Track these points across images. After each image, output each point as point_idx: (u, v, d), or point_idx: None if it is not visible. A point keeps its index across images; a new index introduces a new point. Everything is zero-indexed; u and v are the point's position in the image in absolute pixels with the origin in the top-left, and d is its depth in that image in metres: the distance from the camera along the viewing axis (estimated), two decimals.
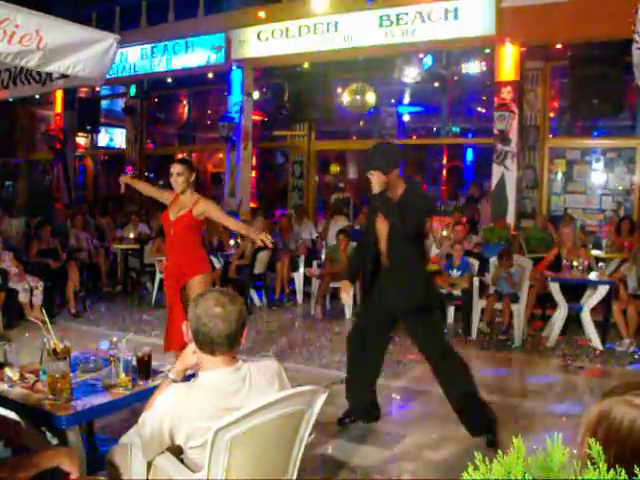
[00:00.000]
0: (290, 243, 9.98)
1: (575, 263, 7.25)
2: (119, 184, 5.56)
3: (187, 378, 2.66)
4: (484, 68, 10.53)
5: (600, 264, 7.67)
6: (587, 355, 6.82)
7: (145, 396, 2.82)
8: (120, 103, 15.73)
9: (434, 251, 9.03)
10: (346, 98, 11.67)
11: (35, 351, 3.32)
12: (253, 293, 9.41)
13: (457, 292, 7.85)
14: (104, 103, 16.09)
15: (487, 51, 10.20)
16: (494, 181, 10.13)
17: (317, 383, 3.99)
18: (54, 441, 3.07)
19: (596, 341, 7.03)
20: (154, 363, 3.39)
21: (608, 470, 1.19)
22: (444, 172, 15.59)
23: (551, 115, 11.04)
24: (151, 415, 2.40)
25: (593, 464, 1.21)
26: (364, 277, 4.64)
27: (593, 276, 7.27)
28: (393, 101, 13.64)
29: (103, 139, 17.51)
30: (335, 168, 14.92)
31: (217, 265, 9.28)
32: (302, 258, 9.69)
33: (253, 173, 13.74)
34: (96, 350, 3.69)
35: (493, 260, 7.73)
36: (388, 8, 10.26)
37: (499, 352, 7.04)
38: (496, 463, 1.22)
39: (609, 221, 10.23)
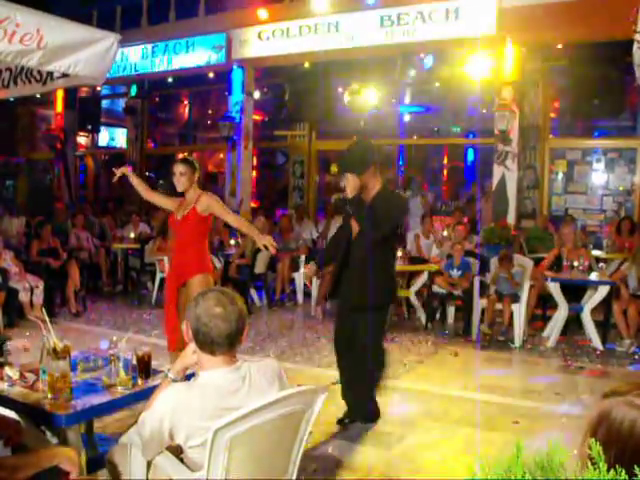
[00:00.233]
0: (291, 243, 9.98)
1: (576, 263, 7.25)
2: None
3: (187, 377, 2.65)
4: (485, 68, 10.52)
5: (601, 264, 7.67)
6: (587, 355, 6.82)
7: (145, 395, 2.82)
8: (121, 103, 15.73)
9: (434, 251, 9.04)
10: (347, 98, 11.67)
11: (35, 350, 3.32)
12: (253, 293, 9.41)
13: (457, 292, 7.86)
14: (105, 103, 16.11)
15: (488, 51, 10.18)
16: (495, 181, 10.13)
17: (317, 383, 4.00)
18: (54, 440, 3.06)
19: (597, 341, 7.03)
20: (154, 363, 3.38)
21: (608, 470, 1.19)
22: (445, 172, 15.59)
23: (552, 115, 11.04)
24: (151, 414, 2.39)
25: (593, 464, 1.21)
26: (334, 273, 4.75)
27: (594, 276, 7.27)
28: (394, 101, 13.64)
29: (104, 139, 17.52)
30: (336, 168, 14.90)
31: (217, 265, 9.28)
32: (303, 258, 9.69)
33: (254, 173, 13.74)
34: (96, 349, 3.69)
35: (493, 260, 7.72)
36: (389, 8, 10.25)
37: (499, 352, 7.04)
38: (496, 463, 1.22)
39: (610, 221, 10.23)
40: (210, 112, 15.76)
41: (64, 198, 14.97)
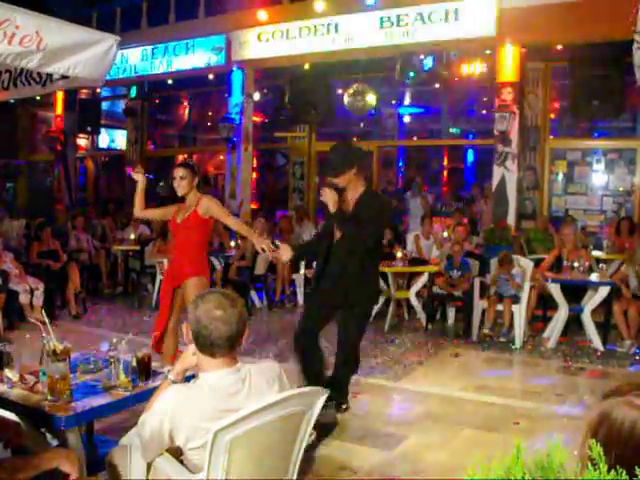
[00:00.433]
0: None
1: (576, 264, 7.24)
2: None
3: (187, 379, 2.65)
4: (484, 69, 10.53)
5: (601, 265, 7.67)
6: (588, 356, 6.81)
7: (145, 397, 2.82)
8: (121, 104, 15.71)
9: (434, 252, 9.03)
10: (346, 99, 11.66)
11: (35, 352, 3.32)
12: (254, 294, 9.40)
13: (458, 293, 7.85)
14: (105, 104, 16.09)
15: (488, 52, 10.20)
16: (495, 182, 10.12)
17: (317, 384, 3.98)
18: (54, 442, 3.06)
19: (597, 342, 7.02)
20: (154, 364, 3.38)
21: (609, 471, 1.18)
22: (445, 173, 15.60)
23: (552, 116, 11.04)
24: (151, 416, 2.39)
25: (594, 465, 1.20)
26: (315, 269, 4.87)
27: (594, 277, 7.26)
28: (394, 102, 13.66)
29: (104, 140, 17.51)
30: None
31: (218, 266, 9.28)
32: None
33: (254, 174, 13.74)
34: (96, 351, 3.69)
35: (494, 261, 7.72)
36: (388, 9, 10.26)
37: (500, 353, 7.03)
38: (496, 464, 1.22)
39: (610, 222, 10.23)
40: (210, 114, 15.75)
41: (64, 200, 14.98)
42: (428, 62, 10.24)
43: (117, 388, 3.11)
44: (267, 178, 15.86)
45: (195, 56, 12.42)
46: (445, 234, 9.41)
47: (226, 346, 2.35)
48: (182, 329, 2.49)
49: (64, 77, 4.95)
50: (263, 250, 4.92)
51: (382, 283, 8.19)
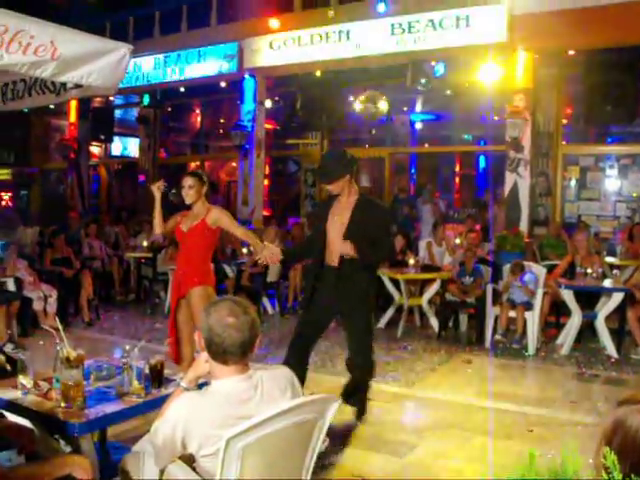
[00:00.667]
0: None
1: (589, 270, 7.21)
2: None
3: (199, 386, 2.66)
4: (496, 75, 10.51)
5: (614, 271, 7.63)
6: (602, 363, 6.76)
7: (157, 404, 2.83)
8: (133, 112, 15.84)
9: (447, 259, 9.01)
10: (358, 106, 11.68)
11: (49, 359, 3.34)
12: (266, 301, 9.42)
13: (470, 300, 7.83)
14: (118, 112, 16.21)
15: (500, 58, 10.17)
16: (507, 189, 10.10)
17: (329, 391, 3.99)
18: (67, 449, 3.08)
19: (611, 349, 6.97)
20: (166, 371, 3.39)
21: (623, 479, 1.18)
22: (457, 180, 15.56)
23: (564, 122, 10.99)
24: (163, 423, 2.40)
25: (608, 473, 1.20)
26: (306, 278, 4.87)
27: (607, 283, 7.22)
28: (405, 109, 13.66)
29: (116, 148, 17.63)
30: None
31: (230, 273, 9.30)
32: None
33: (266, 181, 13.77)
34: (109, 358, 3.70)
35: (506, 268, 7.69)
36: (400, 16, 10.26)
37: (513, 360, 6.99)
38: (510, 472, 1.21)
39: (623, 228, 10.17)
40: (222, 121, 15.83)
41: (77, 207, 15.07)
42: (439, 69, 10.24)
43: (130, 395, 3.12)
44: (279, 185, 15.89)
45: (207, 64, 12.48)
46: (457, 241, 9.38)
47: (238, 353, 2.36)
48: (195, 337, 2.49)
49: (78, 86, 5.01)
50: (261, 262, 4.92)
51: (394, 290, 8.20)
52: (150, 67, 13.20)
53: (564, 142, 10.85)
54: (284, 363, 4.51)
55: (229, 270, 9.37)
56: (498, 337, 7.42)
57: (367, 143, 14.38)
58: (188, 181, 5.16)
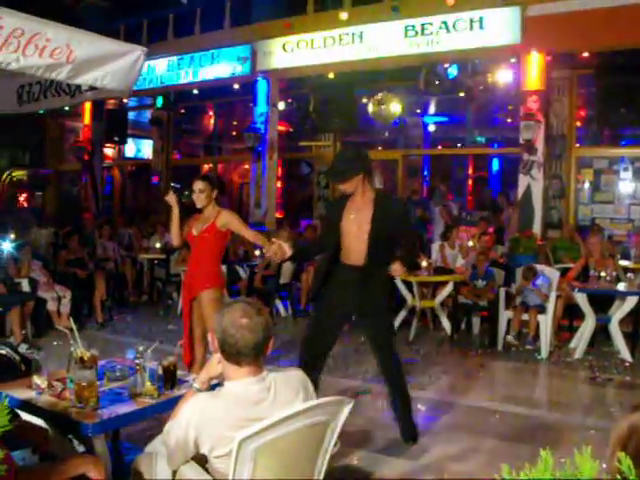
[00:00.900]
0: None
1: (603, 274, 7.16)
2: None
3: (212, 387, 2.67)
4: (510, 77, 10.48)
5: (629, 274, 7.56)
6: (616, 367, 6.72)
7: (170, 405, 2.84)
8: (147, 114, 15.92)
9: (460, 261, 8.98)
10: (371, 108, 11.68)
11: (63, 359, 3.36)
12: (278, 303, 9.43)
13: (483, 303, 7.80)
14: (131, 114, 16.28)
15: (513, 60, 10.14)
16: (520, 191, 10.05)
17: (342, 394, 3.99)
18: (80, 449, 3.09)
19: (625, 353, 6.92)
20: (179, 372, 3.40)
21: None
22: (470, 182, 15.52)
23: (578, 124, 10.93)
24: (176, 424, 2.41)
25: (623, 478, 1.19)
26: (316, 277, 4.77)
27: (621, 287, 7.16)
28: (418, 111, 13.64)
29: (130, 150, 17.72)
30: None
31: (243, 275, 9.32)
32: None
33: (279, 183, 13.78)
34: (122, 359, 3.72)
35: (519, 270, 7.66)
36: (413, 18, 10.26)
37: (526, 364, 6.97)
38: (523, 476, 1.21)
39: (637, 231, 10.09)
40: (235, 123, 15.86)
41: (91, 209, 15.16)
42: (453, 71, 10.21)
43: (143, 396, 3.13)
44: (292, 187, 15.90)
45: (220, 66, 12.53)
46: (470, 243, 9.35)
47: (252, 354, 2.36)
48: (208, 338, 2.50)
49: (92, 88, 5.04)
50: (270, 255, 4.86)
51: (407, 292, 8.19)
52: (164, 69, 13.28)
53: (577, 144, 10.79)
54: (299, 366, 4.49)
55: (242, 272, 9.39)
56: (511, 340, 7.39)
57: (380, 145, 14.37)
58: (199, 185, 5.19)
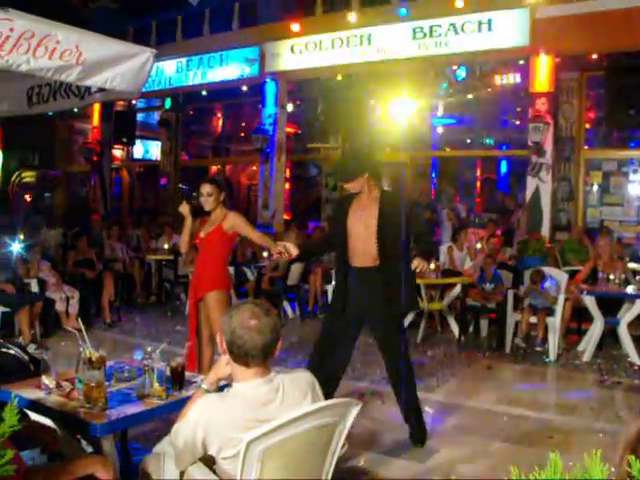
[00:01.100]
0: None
1: (612, 276, 7.13)
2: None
3: (220, 389, 2.67)
4: (518, 79, 10.46)
5: (637, 277, 7.54)
6: (624, 370, 6.69)
7: (178, 406, 2.84)
8: (155, 116, 15.96)
9: (468, 264, 8.96)
10: (379, 110, 11.68)
11: (71, 359, 3.37)
12: (286, 305, 9.43)
13: (491, 305, 7.78)
14: (140, 116, 16.35)
15: (521, 62, 10.13)
16: (529, 193, 10.03)
17: (349, 395, 3.99)
18: (88, 449, 3.10)
19: (634, 356, 6.89)
20: (187, 374, 3.41)
21: None
22: (478, 184, 15.48)
23: (586, 126, 10.90)
24: (184, 425, 2.41)
25: None
26: (336, 279, 4.74)
27: (630, 289, 7.13)
28: (427, 113, 13.61)
29: (138, 151, 17.76)
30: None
31: (251, 277, 9.33)
32: None
33: (287, 185, 13.80)
34: (130, 360, 3.73)
35: (528, 272, 7.64)
36: (421, 20, 10.26)
37: (534, 366, 6.94)
38: (532, 478, 1.21)
39: None
40: (243, 125, 15.89)
41: (100, 210, 15.21)
42: (461, 73, 10.21)
43: (151, 397, 3.13)
44: (300, 189, 15.91)
45: (229, 68, 12.56)
46: (479, 245, 9.33)
47: (260, 356, 2.36)
48: (216, 339, 2.51)
49: (102, 90, 5.05)
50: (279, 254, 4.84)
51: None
52: (172, 71, 13.32)
53: (586, 146, 10.76)
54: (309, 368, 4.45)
55: (249, 273, 9.40)
56: (519, 343, 7.37)
57: (388, 147, 14.34)
58: (206, 189, 5.19)
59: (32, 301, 7.47)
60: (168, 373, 3.24)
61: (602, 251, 7.57)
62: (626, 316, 7.00)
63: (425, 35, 10.25)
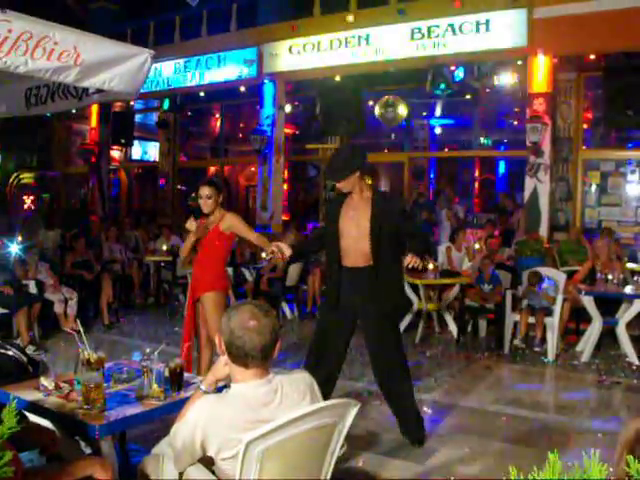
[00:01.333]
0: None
1: (610, 276, 7.14)
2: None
3: (219, 390, 2.67)
4: (516, 80, 10.47)
5: (636, 277, 7.54)
6: (623, 370, 6.69)
7: (177, 407, 2.84)
8: (154, 117, 15.95)
9: (466, 264, 8.97)
10: (377, 111, 11.69)
11: (70, 361, 3.37)
12: (285, 305, 9.43)
13: (489, 305, 7.79)
14: (138, 117, 16.33)
15: (519, 62, 10.14)
16: (527, 194, 10.04)
17: (348, 396, 3.99)
18: (87, 450, 3.10)
19: (632, 356, 6.89)
20: (186, 375, 3.41)
21: None
22: (476, 185, 15.50)
23: (584, 126, 10.91)
24: (183, 426, 2.41)
25: None
26: (326, 279, 4.73)
27: (628, 290, 7.14)
28: (425, 114, 13.64)
29: (136, 152, 17.75)
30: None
31: (249, 278, 9.32)
32: None
33: (285, 186, 13.79)
34: (129, 361, 3.73)
35: (526, 273, 7.65)
36: (419, 20, 10.27)
37: (532, 366, 6.95)
38: (531, 478, 1.21)
39: None
40: (242, 126, 15.89)
41: (98, 211, 15.21)
42: (459, 73, 10.21)
43: (150, 398, 3.14)
44: (298, 190, 15.91)
45: (227, 69, 12.56)
46: (477, 246, 9.34)
47: (259, 357, 2.36)
48: (215, 340, 2.51)
49: (99, 91, 5.04)
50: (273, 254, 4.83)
51: (413, 295, 8.18)
52: (170, 72, 13.32)
53: (584, 147, 10.77)
54: (305, 367, 4.46)
55: (248, 274, 9.40)
56: (517, 343, 7.38)
57: (386, 148, 14.37)
58: (205, 191, 5.19)
59: (30, 302, 7.47)
60: (167, 374, 3.25)
61: (600, 251, 7.58)
62: (624, 316, 7.01)
63: (423, 36, 10.26)
